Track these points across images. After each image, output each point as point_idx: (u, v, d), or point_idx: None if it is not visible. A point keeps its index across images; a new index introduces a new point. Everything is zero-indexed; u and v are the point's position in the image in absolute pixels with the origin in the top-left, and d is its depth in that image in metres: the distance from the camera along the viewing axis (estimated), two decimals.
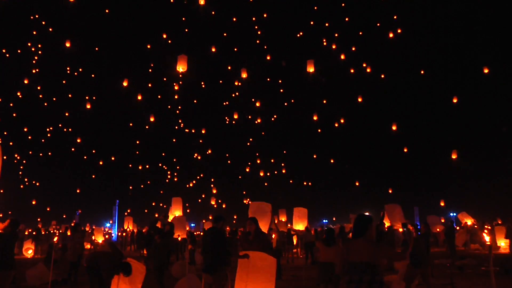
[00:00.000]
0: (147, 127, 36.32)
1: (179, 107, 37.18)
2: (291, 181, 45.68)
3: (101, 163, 41.93)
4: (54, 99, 36.43)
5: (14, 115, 34.73)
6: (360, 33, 29.65)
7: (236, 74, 27.81)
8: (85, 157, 41.76)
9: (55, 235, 19.41)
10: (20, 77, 31.74)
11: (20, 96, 33.15)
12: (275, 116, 38.99)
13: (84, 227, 41.37)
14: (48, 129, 39.02)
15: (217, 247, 6.81)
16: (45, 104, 35.83)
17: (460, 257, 17.19)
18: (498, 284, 7.63)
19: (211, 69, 35.16)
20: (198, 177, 45.39)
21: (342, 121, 33.84)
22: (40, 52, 30.77)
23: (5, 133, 34.86)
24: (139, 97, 29.43)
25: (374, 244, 4.40)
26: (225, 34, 30.14)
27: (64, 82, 34.75)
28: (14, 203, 37.24)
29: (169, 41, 29.09)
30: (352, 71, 29.66)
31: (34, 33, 29.12)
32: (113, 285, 6.85)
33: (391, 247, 4.52)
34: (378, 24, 27.54)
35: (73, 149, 40.06)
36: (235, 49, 31.97)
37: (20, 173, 42.37)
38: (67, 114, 37.47)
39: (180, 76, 27.95)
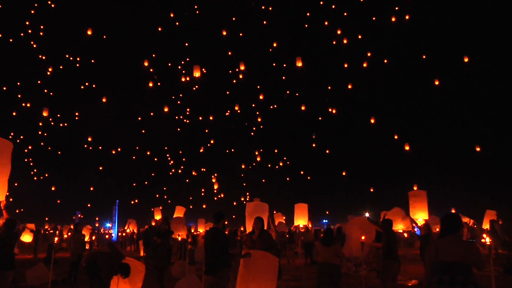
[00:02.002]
0: (151, 113, 36.04)
1: (181, 95, 36.58)
2: (288, 178, 45.49)
3: (113, 152, 40.64)
4: (51, 94, 35.97)
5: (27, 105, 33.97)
6: (374, 18, 28.69)
7: (237, 64, 27.36)
8: (90, 148, 40.56)
9: (55, 235, 19.37)
10: (27, 68, 31.63)
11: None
12: (275, 106, 38.29)
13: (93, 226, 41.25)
14: (52, 121, 38.44)
15: (218, 248, 6.77)
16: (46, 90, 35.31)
17: None
18: (498, 284, 7.63)
19: (213, 58, 34.51)
20: (203, 170, 44.58)
21: (334, 111, 33.26)
22: (42, 34, 30.22)
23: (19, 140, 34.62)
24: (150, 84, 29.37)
25: (464, 244, 4.27)
26: (233, 19, 29.52)
27: (62, 67, 33.95)
28: (25, 202, 37.06)
29: (177, 23, 28.84)
30: (346, 65, 29.36)
31: (32, 11, 28.46)
32: (113, 284, 6.85)
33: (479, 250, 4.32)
34: (396, 8, 26.30)
35: (85, 146, 39.29)
36: (241, 34, 31.08)
37: (32, 172, 41.95)
38: (77, 114, 37.00)
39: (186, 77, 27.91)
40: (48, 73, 31.48)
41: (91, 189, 43.39)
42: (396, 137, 32.05)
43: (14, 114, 34.51)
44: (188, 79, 29.48)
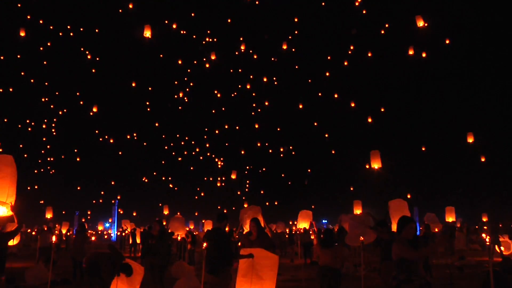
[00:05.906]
0: (150, 88, 35.30)
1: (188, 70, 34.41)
2: (282, 175, 44.99)
3: (128, 137, 38.67)
4: (45, 84, 34.68)
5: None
6: None
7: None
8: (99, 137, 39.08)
9: (54, 235, 19.21)
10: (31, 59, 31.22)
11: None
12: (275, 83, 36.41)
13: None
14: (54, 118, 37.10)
15: (221, 248, 6.80)
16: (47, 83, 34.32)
17: (460, 257, 17.25)
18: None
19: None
20: (208, 153, 42.82)
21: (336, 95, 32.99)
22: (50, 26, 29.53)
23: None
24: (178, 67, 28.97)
25: (399, 242, 4.76)
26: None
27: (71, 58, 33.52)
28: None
29: None
30: (350, 58, 29.05)
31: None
32: (111, 285, 6.82)
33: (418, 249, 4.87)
34: None
35: (100, 139, 38.18)
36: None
37: (36, 171, 41.17)
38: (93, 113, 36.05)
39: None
40: (50, 44, 30.45)
41: (112, 183, 42.37)
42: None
43: (43, 100, 33.68)
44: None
